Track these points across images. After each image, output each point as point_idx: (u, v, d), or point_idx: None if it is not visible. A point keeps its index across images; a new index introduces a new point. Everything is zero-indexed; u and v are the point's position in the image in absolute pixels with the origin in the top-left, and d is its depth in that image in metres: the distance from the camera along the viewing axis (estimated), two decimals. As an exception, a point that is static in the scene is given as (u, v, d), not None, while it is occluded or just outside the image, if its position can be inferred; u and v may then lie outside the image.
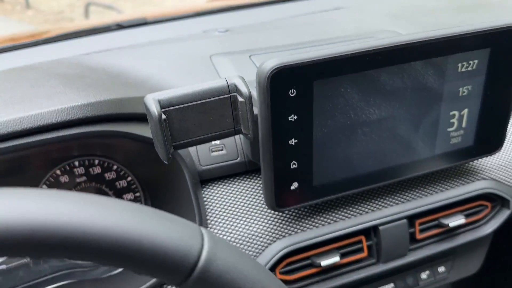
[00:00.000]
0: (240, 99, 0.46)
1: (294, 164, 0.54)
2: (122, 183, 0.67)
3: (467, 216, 0.69)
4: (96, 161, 0.66)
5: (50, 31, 1.06)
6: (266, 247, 0.60)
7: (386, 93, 0.55)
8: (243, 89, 0.46)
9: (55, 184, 0.64)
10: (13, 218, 0.25)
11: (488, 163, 0.71)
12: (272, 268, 0.60)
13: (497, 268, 0.94)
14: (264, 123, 0.50)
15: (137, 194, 0.68)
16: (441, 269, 0.73)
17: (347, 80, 0.52)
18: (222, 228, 0.60)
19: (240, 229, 0.60)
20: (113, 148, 0.63)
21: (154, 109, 0.42)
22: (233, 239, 0.59)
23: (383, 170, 0.60)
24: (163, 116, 0.42)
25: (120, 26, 1.06)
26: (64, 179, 0.65)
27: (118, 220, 0.27)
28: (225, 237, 0.59)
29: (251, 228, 0.60)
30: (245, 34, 0.90)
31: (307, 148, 0.54)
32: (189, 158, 0.59)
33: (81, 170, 0.65)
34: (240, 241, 0.59)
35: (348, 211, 0.64)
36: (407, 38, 0.52)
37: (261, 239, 0.60)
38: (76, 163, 0.65)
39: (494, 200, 0.72)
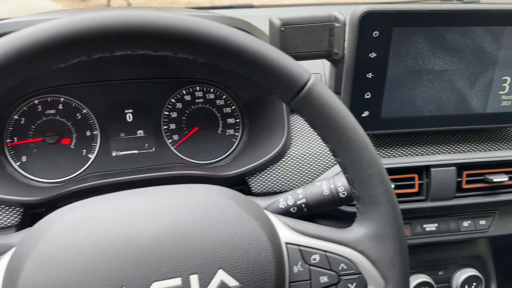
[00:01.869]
0: (337, 24, 0.63)
1: (368, 95, 0.70)
2: (227, 110, 0.87)
3: (511, 178, 0.80)
4: (212, 89, 0.86)
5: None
6: (332, 166, 0.76)
7: (450, 49, 0.69)
8: (341, 17, 0.63)
9: (180, 100, 0.84)
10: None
11: (536, 136, 0.82)
12: None
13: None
14: (350, 57, 0.67)
15: (237, 120, 0.87)
16: (482, 222, 0.84)
17: (420, 32, 0.67)
18: (302, 149, 0.76)
19: (318, 149, 0.76)
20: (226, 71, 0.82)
21: (277, 22, 0.60)
22: (309, 155, 0.75)
23: (441, 116, 0.74)
24: (282, 28, 0.61)
25: (230, 6, 1.29)
26: (187, 97, 0.85)
27: (257, 41, 0.43)
28: (304, 152, 0.76)
29: (323, 148, 0.76)
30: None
31: (380, 83, 0.69)
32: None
33: (200, 94, 0.86)
34: (315, 156, 0.75)
35: (407, 151, 0.78)
36: (471, 6, 0.67)
37: (329, 158, 0.76)
38: (197, 88, 0.85)
39: (540, 170, 0.83)
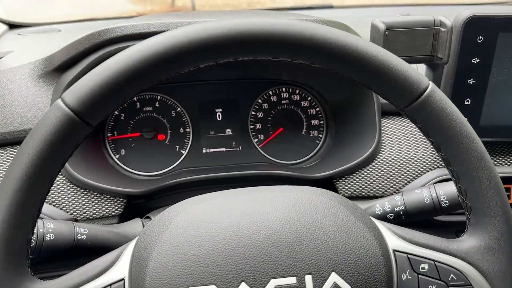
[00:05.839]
0: (443, 29, 0.62)
1: (468, 101, 0.68)
2: (312, 111, 0.87)
3: None
4: (297, 91, 0.87)
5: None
6: (424, 173, 0.74)
7: (559, 55, 0.66)
8: (447, 22, 0.62)
9: (267, 101, 0.86)
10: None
11: None
12: None
13: None
14: (451, 62, 0.65)
15: (321, 122, 0.87)
16: None
17: (527, 37, 0.64)
18: (393, 153, 0.75)
19: (409, 154, 0.75)
20: (313, 73, 0.82)
21: (381, 26, 0.60)
22: (400, 160, 0.74)
23: (544, 126, 0.70)
24: (386, 32, 0.60)
25: (310, 7, 1.29)
26: (273, 98, 0.87)
27: (376, 46, 0.43)
28: (395, 157, 0.75)
29: (415, 154, 0.75)
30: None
31: (481, 89, 0.67)
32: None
33: (285, 95, 0.87)
34: (407, 162, 0.74)
35: (503, 160, 0.75)
36: None
37: (421, 164, 0.74)
38: (283, 89, 0.87)
39: None
